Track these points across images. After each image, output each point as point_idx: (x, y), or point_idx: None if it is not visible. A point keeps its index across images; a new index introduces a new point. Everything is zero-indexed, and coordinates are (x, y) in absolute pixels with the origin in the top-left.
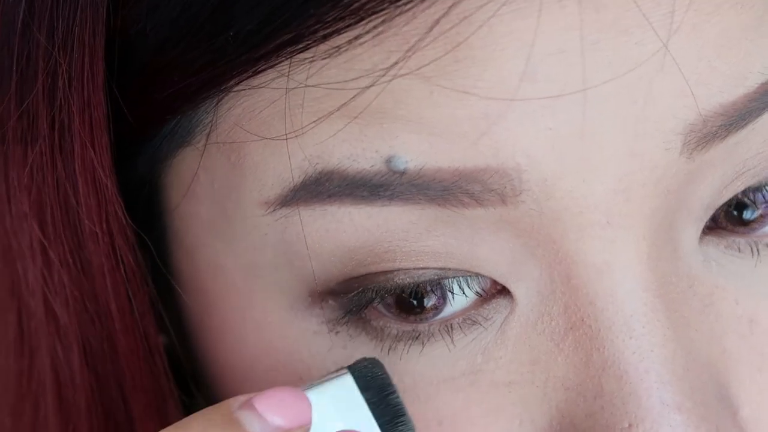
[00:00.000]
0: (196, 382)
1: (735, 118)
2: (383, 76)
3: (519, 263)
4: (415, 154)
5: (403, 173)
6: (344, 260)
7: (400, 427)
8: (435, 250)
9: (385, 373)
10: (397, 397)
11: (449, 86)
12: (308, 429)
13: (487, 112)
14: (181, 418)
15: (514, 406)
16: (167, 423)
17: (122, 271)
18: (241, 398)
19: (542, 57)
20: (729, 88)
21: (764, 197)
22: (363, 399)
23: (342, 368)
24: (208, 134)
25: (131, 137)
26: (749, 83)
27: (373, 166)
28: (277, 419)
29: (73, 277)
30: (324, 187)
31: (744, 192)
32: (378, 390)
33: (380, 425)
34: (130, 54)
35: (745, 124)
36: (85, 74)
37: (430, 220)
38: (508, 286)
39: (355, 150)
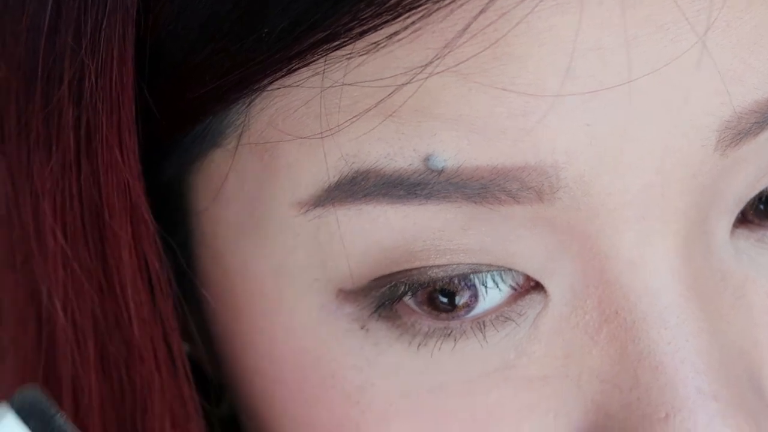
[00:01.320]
0: (220, 390)
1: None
2: (420, 73)
3: (553, 259)
4: (454, 152)
5: (441, 172)
6: (378, 259)
7: None
8: (469, 248)
9: (44, 398)
10: (60, 418)
11: (488, 83)
12: None
13: (525, 109)
14: (202, 428)
15: (548, 400)
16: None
17: (147, 276)
18: None
19: (581, 53)
20: (763, 85)
21: None
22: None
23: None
24: (240, 135)
25: (160, 139)
26: None
27: (410, 164)
28: None
29: (95, 284)
30: (360, 187)
31: None
32: (41, 417)
33: None
34: (160, 55)
35: None
36: (113, 75)
37: (465, 218)
38: (541, 281)
39: (392, 149)
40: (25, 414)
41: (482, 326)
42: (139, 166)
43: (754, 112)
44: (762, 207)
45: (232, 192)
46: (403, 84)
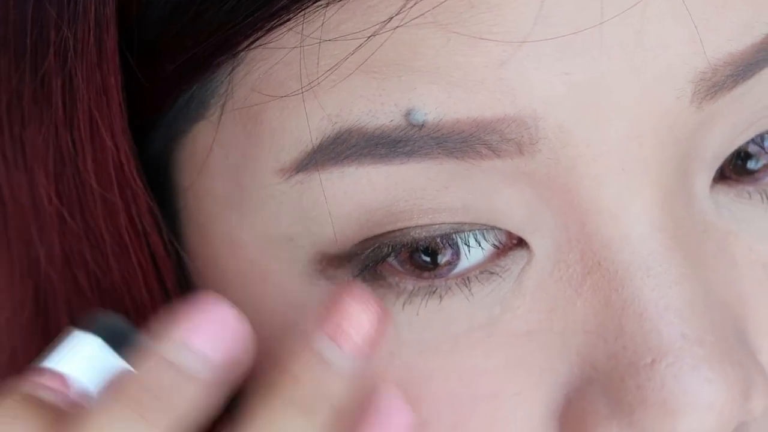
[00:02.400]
0: None
1: (742, 68)
2: (396, 15)
3: (534, 214)
4: (434, 105)
5: (422, 126)
6: (361, 222)
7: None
8: (451, 206)
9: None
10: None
11: (465, 33)
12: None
13: (503, 57)
14: None
15: (533, 355)
16: None
17: (145, 240)
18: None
19: (555, 1)
20: (737, 36)
21: (764, 148)
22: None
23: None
24: (224, 104)
25: (146, 112)
26: (756, 33)
27: (392, 121)
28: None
29: (93, 247)
30: (342, 147)
31: (752, 140)
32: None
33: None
34: (143, 24)
35: (752, 75)
36: (96, 45)
37: (447, 176)
38: (524, 237)
39: (373, 105)
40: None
41: (467, 282)
42: (127, 135)
43: (728, 65)
44: (740, 163)
45: (217, 164)
46: (380, 32)
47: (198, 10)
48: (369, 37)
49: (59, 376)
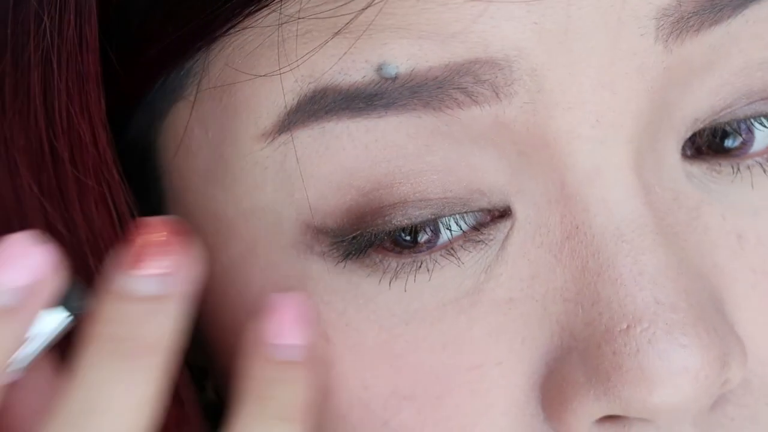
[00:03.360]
0: (202, 376)
1: (706, 6)
2: None
3: (516, 173)
4: (405, 58)
5: (395, 78)
6: (343, 186)
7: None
8: (435, 167)
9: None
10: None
11: None
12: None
13: (473, 12)
14: (191, 394)
15: (515, 323)
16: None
17: (118, 230)
18: None
19: None
20: None
21: (745, 126)
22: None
23: None
24: (199, 83)
25: (126, 98)
26: None
27: (364, 77)
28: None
29: (76, 239)
30: (320, 105)
31: (727, 121)
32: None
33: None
34: (125, 12)
35: (717, 21)
36: (73, 34)
37: (428, 133)
38: (507, 200)
39: (345, 64)
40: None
41: (453, 251)
42: (105, 125)
43: (691, 0)
44: (717, 140)
45: (198, 142)
46: (362, 9)
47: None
48: (350, 20)
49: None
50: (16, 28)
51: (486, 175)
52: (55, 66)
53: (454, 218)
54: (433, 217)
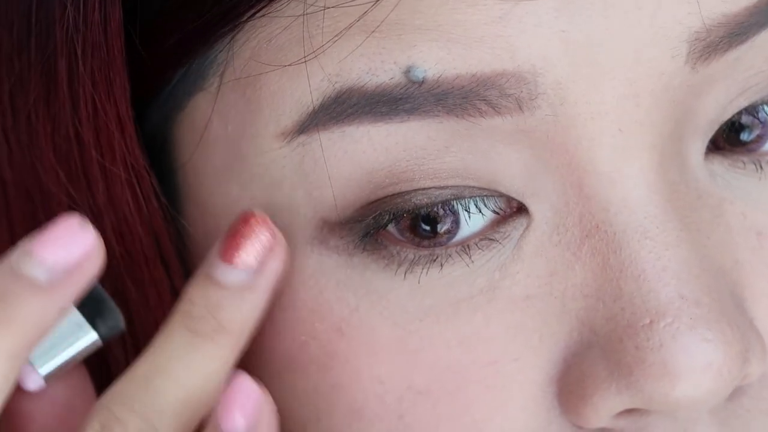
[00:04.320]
0: None
1: (736, 31)
2: None
3: (534, 176)
4: (434, 62)
5: (422, 83)
6: (362, 184)
7: (105, 313)
8: (452, 167)
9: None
10: (96, 286)
11: None
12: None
13: (501, 15)
14: None
15: (533, 320)
16: None
17: (148, 218)
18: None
19: None
20: (732, 2)
21: (760, 119)
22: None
23: None
24: (222, 74)
25: (144, 88)
26: None
27: (392, 78)
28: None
29: (102, 225)
30: (343, 107)
31: (739, 113)
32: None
33: (84, 313)
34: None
35: (746, 39)
36: (98, 22)
37: (448, 135)
38: (524, 201)
39: (373, 64)
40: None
41: (467, 249)
42: (130, 112)
43: (722, 26)
44: (734, 134)
45: (216, 136)
46: (393, 6)
47: None
48: (375, 2)
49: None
50: (40, 15)
51: (503, 176)
52: (80, 52)
53: (473, 201)
54: (452, 197)
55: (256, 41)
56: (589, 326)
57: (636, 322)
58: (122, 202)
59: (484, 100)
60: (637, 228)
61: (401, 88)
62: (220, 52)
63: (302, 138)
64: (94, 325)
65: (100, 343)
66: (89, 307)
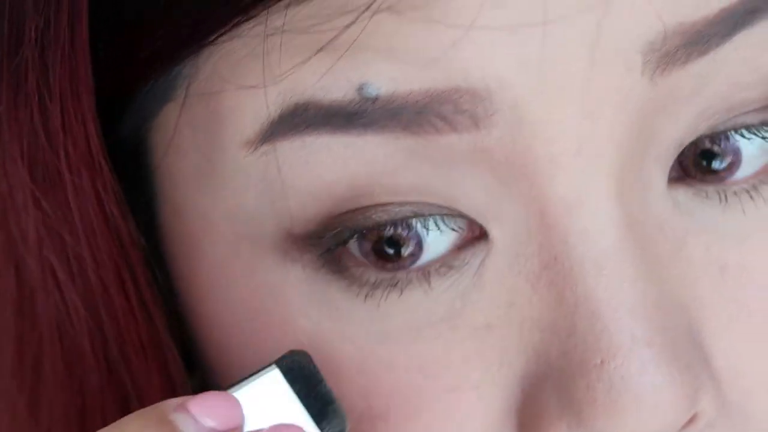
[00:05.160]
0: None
1: (695, 39)
2: (364, 12)
3: (496, 199)
4: (387, 79)
5: (375, 99)
6: (322, 197)
7: (331, 415)
8: (412, 183)
9: (312, 363)
10: (325, 385)
11: (417, 17)
12: (240, 429)
13: (454, 39)
14: (182, 376)
15: (492, 349)
16: (170, 382)
17: (110, 225)
18: (177, 400)
19: None
20: (690, 11)
21: (732, 146)
22: (292, 391)
23: (270, 364)
24: (188, 86)
25: (116, 97)
26: (713, 6)
27: (345, 95)
28: (210, 422)
29: (67, 231)
30: (301, 119)
31: (712, 140)
32: (306, 381)
33: (311, 414)
34: (116, 12)
35: (705, 51)
36: (66, 33)
37: (406, 152)
38: (485, 224)
39: (326, 80)
40: (291, 376)
41: (428, 275)
42: (96, 121)
43: (677, 34)
44: (705, 163)
45: (186, 143)
46: (346, 26)
47: (168, 4)
48: (331, 39)
49: (235, 405)
50: (12, 28)
51: (464, 197)
52: (51, 63)
53: (434, 218)
54: (412, 214)
55: (218, 56)
56: (545, 359)
57: (588, 361)
58: (88, 209)
59: (439, 115)
60: (594, 263)
61: (355, 104)
62: (186, 67)
63: (265, 147)
64: (321, 429)
65: None
66: (316, 408)
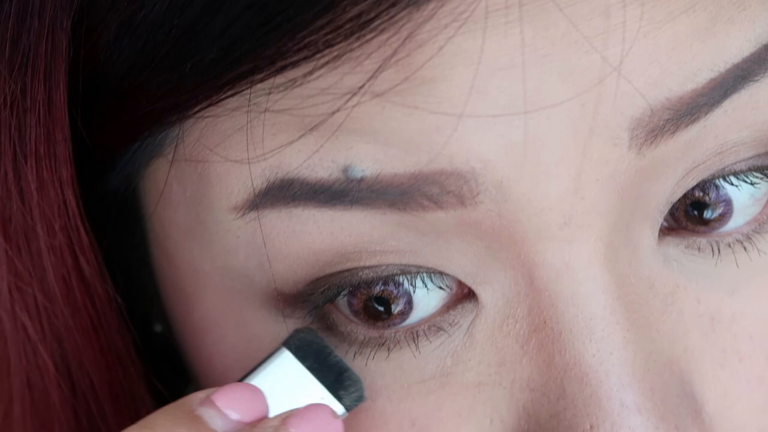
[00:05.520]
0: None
1: (682, 113)
2: (345, 101)
3: (483, 265)
4: (371, 162)
5: (360, 180)
6: (310, 262)
7: (346, 382)
8: (399, 250)
9: (318, 338)
10: (336, 356)
11: (401, 103)
12: (265, 417)
13: (438, 125)
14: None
15: (484, 406)
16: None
17: (85, 284)
18: (201, 395)
19: (492, 72)
20: (677, 87)
21: (721, 196)
22: (305, 368)
23: (279, 346)
24: (176, 146)
25: (102, 154)
26: (699, 79)
27: (331, 175)
28: (235, 414)
29: (39, 290)
30: (287, 193)
31: (702, 190)
32: (316, 355)
33: (327, 386)
34: (100, 77)
35: (694, 120)
36: (42, 100)
37: (392, 225)
38: (473, 288)
39: (312, 160)
40: (301, 353)
41: (415, 336)
42: (74, 182)
43: (666, 109)
44: (695, 213)
45: (177, 197)
46: (329, 113)
47: (151, 74)
48: (317, 123)
49: (258, 395)
50: None
51: (452, 263)
52: (28, 128)
53: (421, 276)
54: (399, 272)
55: (205, 125)
56: (536, 419)
57: (577, 426)
58: (62, 270)
59: (425, 196)
60: (583, 329)
61: (341, 184)
62: (172, 131)
63: (253, 214)
64: (339, 398)
65: (345, 415)
66: (330, 379)
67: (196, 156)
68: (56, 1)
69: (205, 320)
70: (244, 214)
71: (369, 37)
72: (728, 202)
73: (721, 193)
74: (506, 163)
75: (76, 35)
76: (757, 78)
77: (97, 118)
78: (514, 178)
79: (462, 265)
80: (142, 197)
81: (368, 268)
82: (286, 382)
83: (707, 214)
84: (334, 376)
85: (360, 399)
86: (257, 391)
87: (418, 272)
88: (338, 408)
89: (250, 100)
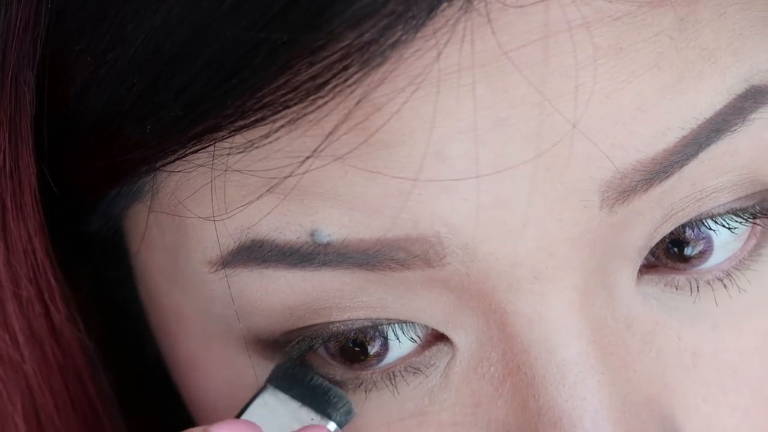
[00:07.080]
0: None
1: (655, 172)
2: (300, 166)
3: (455, 313)
4: (337, 227)
5: (327, 245)
6: (284, 316)
7: (333, 400)
8: (370, 305)
9: (297, 366)
10: (317, 378)
11: (361, 167)
12: None
13: (399, 189)
14: None
15: None
16: None
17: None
18: (197, 430)
19: (451, 135)
20: (646, 147)
21: (701, 233)
22: (291, 398)
23: (264, 385)
24: (153, 195)
25: (82, 199)
26: (669, 139)
27: (299, 238)
28: None
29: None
30: (257, 253)
31: (682, 227)
32: (299, 383)
33: (316, 410)
34: (71, 126)
35: (668, 176)
36: (7, 154)
37: (362, 282)
38: (446, 333)
39: (279, 223)
40: (284, 385)
41: (392, 377)
42: (44, 235)
43: (638, 171)
44: (675, 250)
45: (156, 240)
46: (285, 177)
47: (118, 126)
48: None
49: (253, 426)
50: None
51: (421, 311)
52: None
53: (392, 327)
54: (370, 324)
55: (178, 177)
56: None
57: None
58: (31, 321)
59: (393, 259)
60: (556, 374)
61: (309, 247)
62: (147, 182)
63: (226, 270)
64: (329, 416)
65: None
66: (318, 402)
67: (172, 209)
68: (18, 56)
69: (189, 359)
70: (217, 270)
71: (326, 98)
72: (709, 239)
73: (702, 230)
74: (471, 225)
75: (41, 88)
76: (734, 129)
77: (71, 165)
78: (480, 239)
79: (433, 314)
80: (125, 236)
81: (340, 322)
82: (277, 414)
83: (687, 251)
84: (320, 398)
85: (349, 413)
86: (253, 426)
87: (389, 323)
88: (331, 426)
89: (213, 158)
